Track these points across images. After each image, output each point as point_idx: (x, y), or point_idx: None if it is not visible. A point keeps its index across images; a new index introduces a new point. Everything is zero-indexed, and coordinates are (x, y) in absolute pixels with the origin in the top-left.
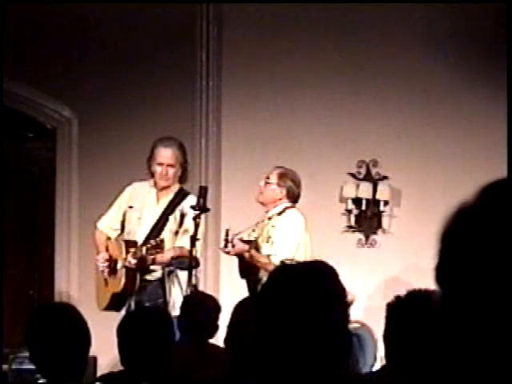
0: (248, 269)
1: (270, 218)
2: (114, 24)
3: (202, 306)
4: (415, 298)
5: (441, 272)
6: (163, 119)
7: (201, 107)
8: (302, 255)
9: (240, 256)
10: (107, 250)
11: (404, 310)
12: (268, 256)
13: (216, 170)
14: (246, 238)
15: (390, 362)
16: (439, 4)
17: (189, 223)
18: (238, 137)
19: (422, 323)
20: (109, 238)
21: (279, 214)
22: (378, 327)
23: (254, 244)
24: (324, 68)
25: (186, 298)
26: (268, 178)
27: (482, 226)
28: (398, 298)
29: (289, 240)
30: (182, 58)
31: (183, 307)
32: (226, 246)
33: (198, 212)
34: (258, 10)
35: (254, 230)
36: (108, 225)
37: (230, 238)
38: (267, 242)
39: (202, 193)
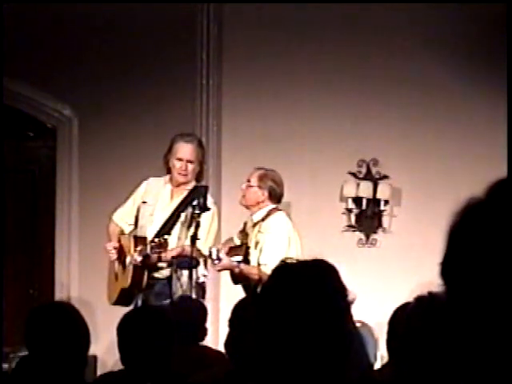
0: (239, 275)
1: (255, 224)
2: (115, 23)
3: (189, 309)
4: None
5: (447, 267)
6: (164, 118)
7: (201, 106)
8: (294, 255)
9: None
10: (119, 242)
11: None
12: (258, 265)
13: (216, 169)
14: (234, 244)
15: (394, 361)
16: (439, 5)
17: (201, 221)
18: (239, 136)
19: (429, 323)
20: (122, 233)
21: (264, 218)
22: (378, 326)
23: (243, 250)
24: (324, 67)
25: (172, 303)
26: (249, 180)
27: (490, 222)
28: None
29: (278, 247)
30: (183, 57)
31: (172, 311)
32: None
33: (198, 212)
34: (258, 9)
35: (242, 232)
36: (123, 218)
37: (213, 255)
38: (255, 247)
39: (202, 192)
